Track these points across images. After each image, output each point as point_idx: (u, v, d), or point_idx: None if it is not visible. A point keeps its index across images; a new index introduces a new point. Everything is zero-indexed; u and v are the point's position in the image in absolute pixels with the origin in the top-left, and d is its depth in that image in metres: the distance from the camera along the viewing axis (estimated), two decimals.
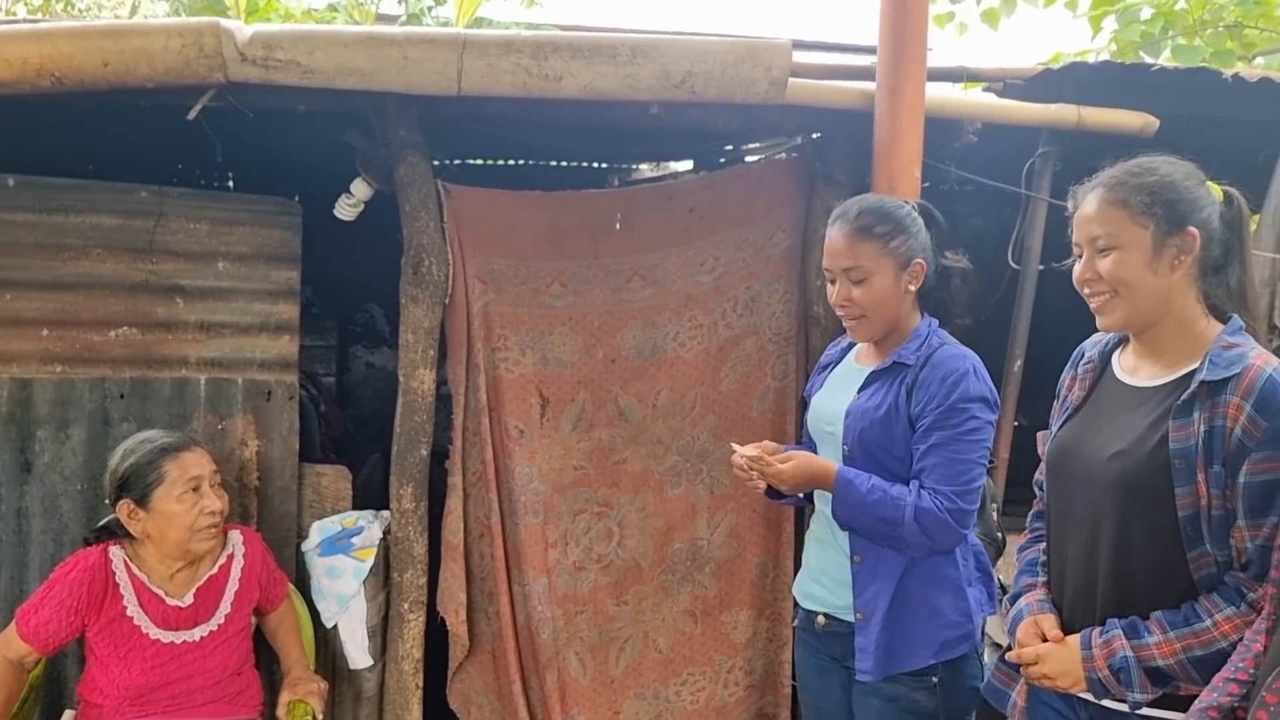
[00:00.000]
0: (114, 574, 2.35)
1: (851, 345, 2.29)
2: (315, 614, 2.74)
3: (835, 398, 2.19)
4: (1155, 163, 1.70)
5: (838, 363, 2.31)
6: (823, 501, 2.21)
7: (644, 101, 2.63)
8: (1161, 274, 1.66)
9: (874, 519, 2.00)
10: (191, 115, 2.51)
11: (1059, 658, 1.72)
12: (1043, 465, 1.95)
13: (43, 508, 2.65)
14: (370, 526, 2.76)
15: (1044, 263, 2.98)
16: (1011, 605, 1.90)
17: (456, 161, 4.58)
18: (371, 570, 2.71)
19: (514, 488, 2.90)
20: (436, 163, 2.87)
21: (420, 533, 2.84)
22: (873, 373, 2.14)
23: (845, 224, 2.10)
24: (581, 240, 2.94)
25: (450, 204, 2.80)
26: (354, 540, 2.72)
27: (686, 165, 4.62)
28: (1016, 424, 3.08)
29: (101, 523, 2.42)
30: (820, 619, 2.21)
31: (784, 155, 3.31)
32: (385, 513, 2.85)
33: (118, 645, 2.32)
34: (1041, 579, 1.89)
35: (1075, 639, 1.72)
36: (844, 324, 2.17)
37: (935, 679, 2.06)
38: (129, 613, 2.33)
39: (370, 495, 3.13)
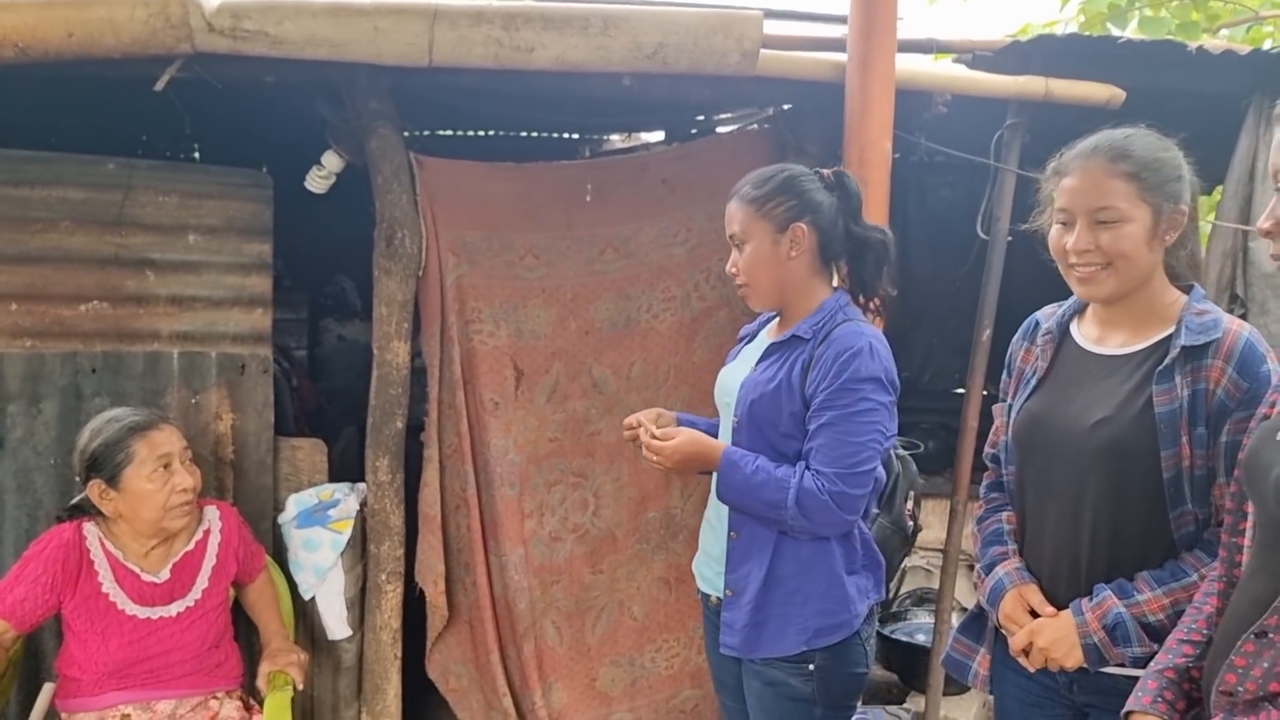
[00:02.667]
0: (88, 551, 2.34)
1: (770, 320, 2.20)
2: (294, 586, 2.75)
3: (737, 370, 2.14)
4: (1150, 137, 1.71)
5: (754, 336, 2.24)
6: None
7: (616, 73, 2.63)
8: (1155, 249, 1.69)
9: (758, 501, 1.94)
10: (159, 86, 2.48)
11: (1052, 629, 1.72)
12: (997, 439, 1.97)
13: (16, 483, 2.63)
14: (347, 499, 2.77)
15: (1012, 233, 3.02)
16: (986, 575, 1.90)
17: (426, 133, 4.55)
18: (349, 542, 2.73)
19: (489, 459, 2.91)
20: (407, 134, 2.86)
21: (397, 505, 2.85)
22: (770, 345, 2.07)
23: (732, 194, 2.07)
24: (554, 212, 2.94)
25: (422, 176, 2.79)
26: (330, 513, 2.73)
27: (658, 136, 4.62)
28: (985, 393, 3.13)
29: (74, 500, 2.41)
30: (714, 599, 2.15)
31: (756, 127, 3.32)
32: (361, 485, 2.86)
33: (94, 621, 2.32)
34: (1012, 546, 1.89)
35: (1066, 611, 1.73)
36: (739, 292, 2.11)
37: (811, 666, 1.99)
38: (104, 589, 2.33)
39: (345, 468, 3.13)
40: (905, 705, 3.17)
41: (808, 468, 1.91)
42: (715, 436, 2.22)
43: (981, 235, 3.06)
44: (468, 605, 3.01)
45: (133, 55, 2.38)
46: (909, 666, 3.54)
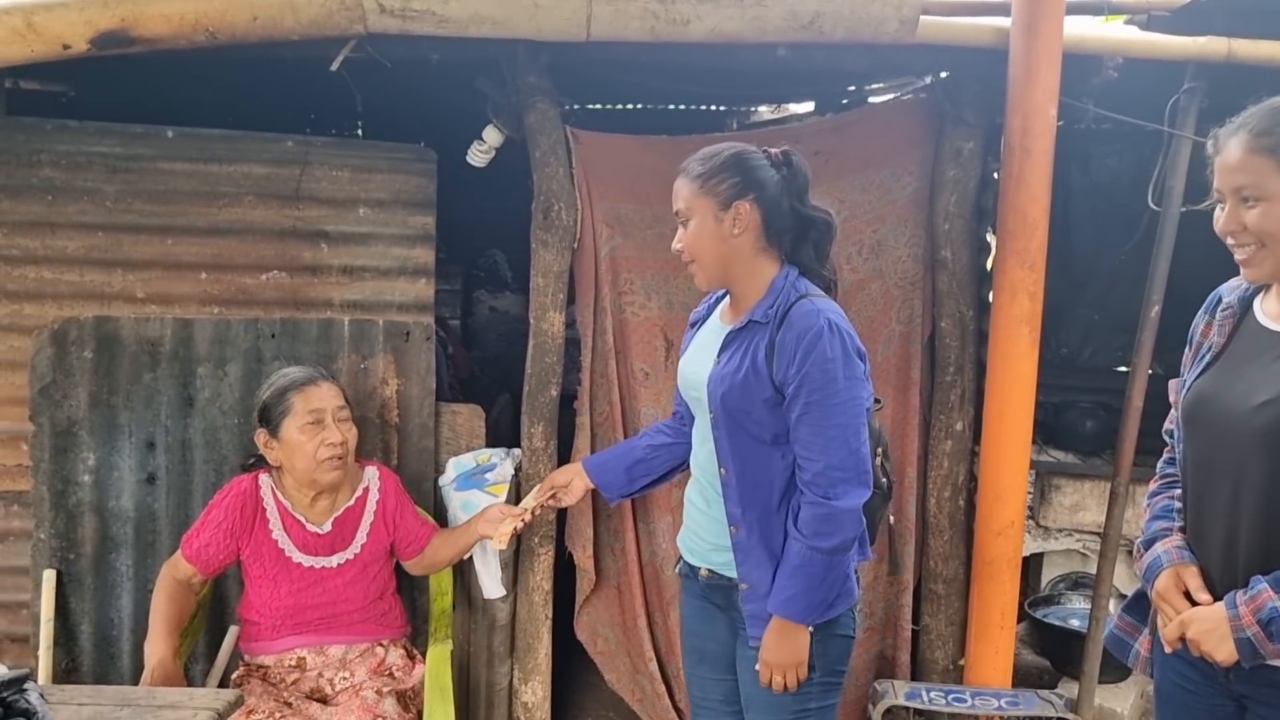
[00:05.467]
0: (262, 500, 2.50)
1: (719, 301, 2.17)
2: None
3: (699, 361, 2.10)
4: None
5: (704, 320, 2.20)
6: (696, 467, 2.15)
7: (771, 43, 2.62)
8: None
9: (816, 582, 1.93)
10: (334, 66, 2.61)
11: (1203, 619, 1.66)
12: (1173, 414, 1.90)
13: (204, 440, 2.82)
14: (503, 463, 2.86)
15: (1185, 204, 2.87)
16: (1145, 550, 1.85)
17: (577, 106, 4.63)
18: None
19: (640, 428, 2.96)
20: (563, 109, 2.92)
21: (550, 470, 2.93)
22: (729, 334, 2.03)
23: (683, 173, 2.03)
24: None
25: (578, 150, 2.85)
26: (488, 476, 2.83)
27: (808, 107, 4.57)
28: (1151, 372, 2.99)
29: (258, 453, 2.57)
30: (704, 571, 2.15)
31: (911, 96, 3.25)
32: (516, 450, 2.96)
33: (266, 568, 2.47)
34: (1178, 524, 1.84)
35: (1220, 604, 1.66)
36: (688, 269, 2.07)
37: (810, 629, 1.98)
38: (274, 536, 2.48)
39: (500, 434, 3.23)
40: (1057, 691, 3.08)
41: (799, 493, 1.93)
42: (623, 459, 2.37)
43: (1153, 206, 2.92)
44: (616, 570, 3.08)
45: (310, 36, 2.51)
46: (1062, 652, 3.44)
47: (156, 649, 2.29)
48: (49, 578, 2.73)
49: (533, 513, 2.50)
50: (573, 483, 2.43)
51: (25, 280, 2.79)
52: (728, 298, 2.12)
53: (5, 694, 1.58)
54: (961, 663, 3.07)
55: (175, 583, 2.44)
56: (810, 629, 1.97)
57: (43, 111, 2.93)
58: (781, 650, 1.97)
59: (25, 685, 1.62)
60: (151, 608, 2.39)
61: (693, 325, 2.26)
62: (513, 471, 2.89)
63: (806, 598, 1.93)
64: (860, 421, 1.93)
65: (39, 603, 2.72)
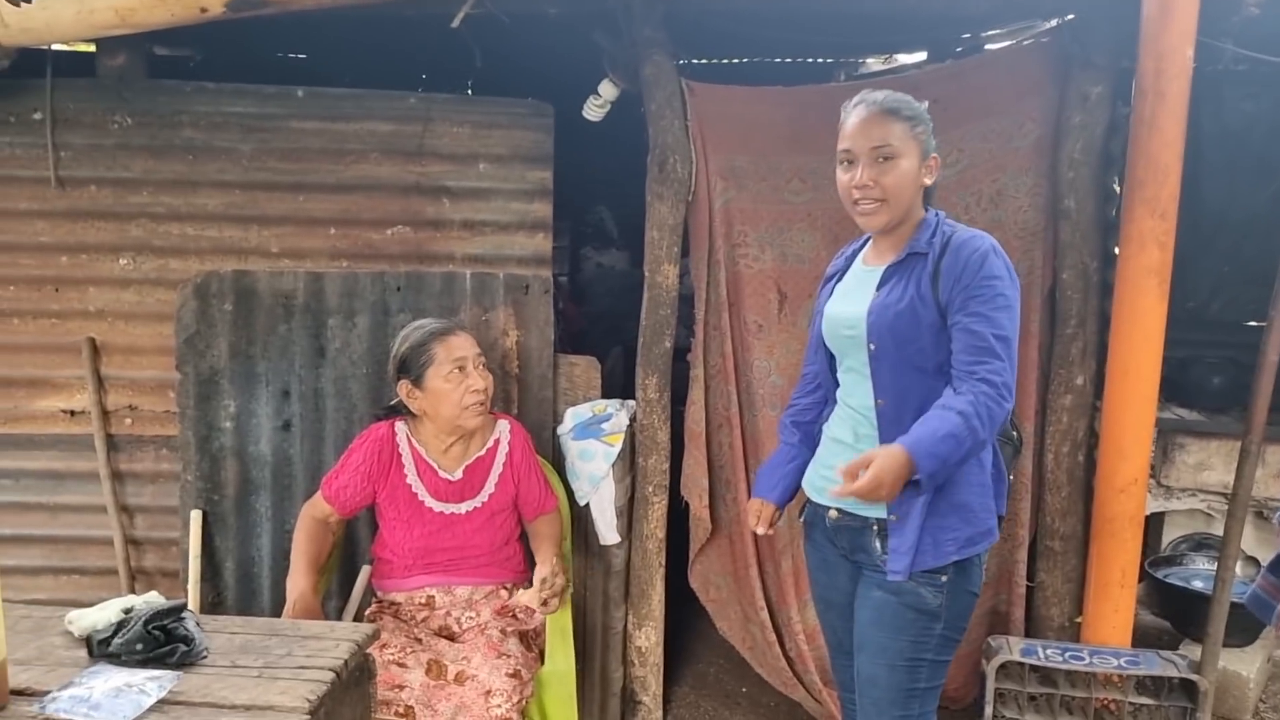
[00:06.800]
0: (398, 446, 2.60)
1: (856, 252, 2.22)
2: (570, 494, 2.94)
3: (851, 302, 2.12)
4: None
5: (844, 270, 2.23)
6: (846, 405, 2.13)
7: None
8: None
9: (956, 454, 1.87)
10: (455, 23, 2.66)
11: None
12: None
13: (335, 389, 2.94)
14: (618, 414, 2.92)
15: None
16: None
17: (682, 60, 4.60)
18: (619, 454, 2.88)
19: (752, 380, 2.99)
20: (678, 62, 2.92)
21: (663, 421, 2.99)
22: (888, 269, 2.07)
23: (871, 104, 2.05)
24: (821, 135, 2.89)
25: (693, 102, 2.85)
26: (604, 426, 2.89)
27: (918, 57, 4.46)
28: None
29: (392, 402, 2.67)
30: (832, 513, 2.15)
31: (1032, 40, 3.15)
32: (631, 402, 3.01)
33: (400, 510, 2.58)
34: None
35: None
36: (861, 208, 2.05)
37: (944, 578, 2.00)
38: (409, 481, 2.58)
39: (612, 386, 3.28)
40: (1179, 652, 3.01)
41: (955, 390, 1.92)
42: (789, 467, 2.34)
43: None
44: (728, 520, 3.12)
45: None
46: (1184, 614, 3.37)
47: (298, 584, 2.42)
48: (196, 517, 2.90)
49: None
50: (770, 517, 2.38)
51: (170, 236, 2.95)
52: (870, 244, 2.17)
53: (166, 621, 1.69)
54: (1078, 620, 3.03)
55: (314, 522, 2.57)
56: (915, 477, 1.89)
57: (174, 76, 3.06)
58: (887, 472, 1.82)
59: (183, 614, 1.74)
60: (293, 546, 2.52)
61: (829, 279, 2.27)
62: (627, 422, 2.95)
63: (938, 460, 1.85)
64: (1014, 333, 1.97)
65: (187, 540, 2.90)
